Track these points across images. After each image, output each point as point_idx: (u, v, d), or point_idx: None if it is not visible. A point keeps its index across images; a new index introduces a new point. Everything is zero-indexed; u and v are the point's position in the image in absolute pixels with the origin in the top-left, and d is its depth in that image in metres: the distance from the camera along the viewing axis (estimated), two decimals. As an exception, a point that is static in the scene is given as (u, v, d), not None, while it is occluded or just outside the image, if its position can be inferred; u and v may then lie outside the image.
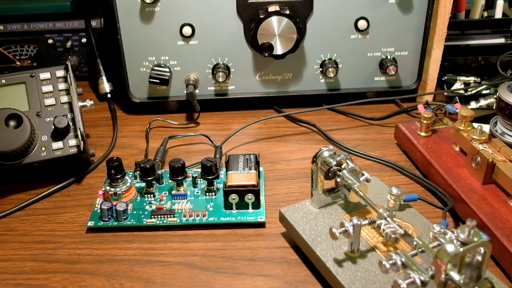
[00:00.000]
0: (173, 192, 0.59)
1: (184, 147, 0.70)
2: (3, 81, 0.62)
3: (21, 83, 0.62)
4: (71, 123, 0.62)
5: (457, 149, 0.61)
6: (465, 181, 0.56)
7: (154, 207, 0.57)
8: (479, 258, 0.39)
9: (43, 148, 0.61)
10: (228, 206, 0.56)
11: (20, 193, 0.62)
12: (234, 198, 0.55)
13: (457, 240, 0.38)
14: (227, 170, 0.57)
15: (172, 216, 0.55)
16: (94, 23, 0.83)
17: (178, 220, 0.55)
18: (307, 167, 0.64)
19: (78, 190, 0.62)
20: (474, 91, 0.78)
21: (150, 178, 0.58)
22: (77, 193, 0.62)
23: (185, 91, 0.74)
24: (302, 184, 0.62)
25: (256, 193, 0.55)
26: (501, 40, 0.83)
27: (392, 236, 0.45)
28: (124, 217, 0.55)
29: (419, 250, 0.42)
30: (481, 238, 0.38)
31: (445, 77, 0.80)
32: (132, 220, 0.55)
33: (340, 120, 0.76)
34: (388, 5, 0.73)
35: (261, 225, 0.55)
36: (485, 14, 0.87)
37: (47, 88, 0.63)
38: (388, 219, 0.46)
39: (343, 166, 0.51)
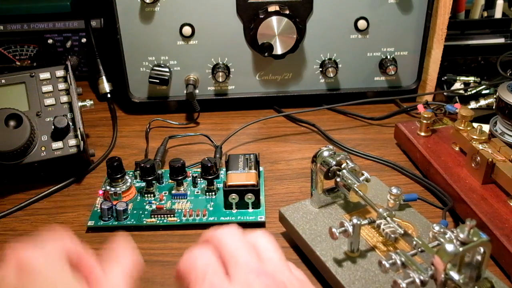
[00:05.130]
0: (173, 191, 0.59)
1: (184, 147, 0.70)
2: (3, 81, 0.62)
3: (21, 83, 0.62)
4: (71, 123, 0.62)
5: (457, 149, 0.61)
6: (464, 181, 0.56)
7: (154, 206, 0.57)
8: (479, 257, 0.39)
9: (43, 148, 0.61)
10: (228, 205, 0.56)
11: (20, 193, 0.62)
12: (234, 197, 0.55)
13: (457, 239, 0.38)
14: (227, 170, 0.57)
15: (172, 215, 0.55)
16: (94, 23, 0.83)
17: (178, 220, 0.55)
18: (307, 167, 0.64)
19: (78, 190, 0.62)
20: (474, 91, 0.78)
21: (150, 178, 0.58)
22: (77, 193, 0.62)
23: (185, 91, 0.74)
24: (302, 184, 0.62)
25: (256, 193, 0.55)
26: (501, 40, 0.83)
27: (392, 235, 0.45)
28: (124, 217, 0.55)
29: (419, 249, 0.42)
30: (480, 237, 0.38)
31: (445, 77, 0.80)
32: (132, 220, 0.55)
33: (340, 120, 0.76)
34: (388, 5, 0.73)
35: (261, 224, 0.55)
36: (485, 14, 0.87)
37: (47, 88, 0.63)
38: (388, 219, 0.46)
39: (342, 166, 0.51)
